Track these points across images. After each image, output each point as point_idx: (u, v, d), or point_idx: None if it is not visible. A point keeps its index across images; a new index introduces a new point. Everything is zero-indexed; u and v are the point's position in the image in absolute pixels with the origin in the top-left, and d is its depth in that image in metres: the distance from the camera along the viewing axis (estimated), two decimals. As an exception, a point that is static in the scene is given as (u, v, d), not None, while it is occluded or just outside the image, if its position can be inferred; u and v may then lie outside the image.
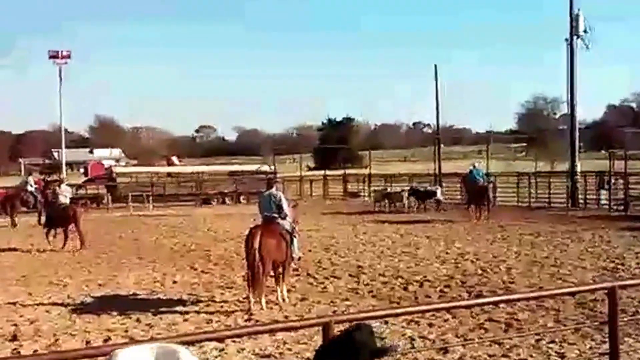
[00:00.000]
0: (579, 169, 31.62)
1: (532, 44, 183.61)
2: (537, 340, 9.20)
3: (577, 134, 32.32)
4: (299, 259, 13.88)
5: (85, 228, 21.56)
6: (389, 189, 36.75)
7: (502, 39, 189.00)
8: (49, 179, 38.44)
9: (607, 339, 7.03)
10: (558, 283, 13.42)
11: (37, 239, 22.69)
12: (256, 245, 11.88)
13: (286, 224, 12.79)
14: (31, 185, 28.71)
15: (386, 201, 32.98)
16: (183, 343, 5.09)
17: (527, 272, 14.70)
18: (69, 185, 26.51)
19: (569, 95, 32.35)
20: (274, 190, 13.24)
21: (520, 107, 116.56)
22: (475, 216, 26.14)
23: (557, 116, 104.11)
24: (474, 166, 28.39)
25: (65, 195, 22.08)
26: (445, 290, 13.17)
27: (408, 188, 33.69)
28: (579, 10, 31.23)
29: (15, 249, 21.28)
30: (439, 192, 32.50)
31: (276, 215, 12.71)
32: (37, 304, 12.82)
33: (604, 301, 9.51)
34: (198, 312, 11.90)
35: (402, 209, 31.81)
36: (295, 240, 12.96)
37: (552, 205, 30.58)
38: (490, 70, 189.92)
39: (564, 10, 31.66)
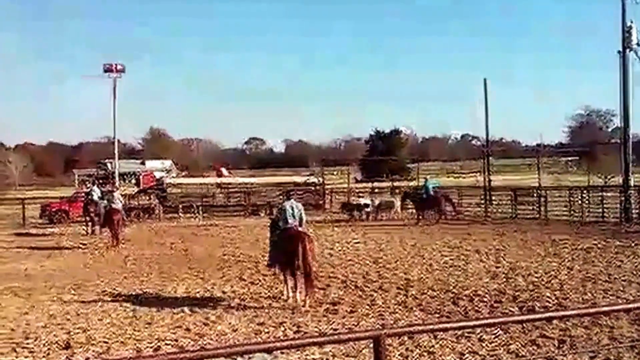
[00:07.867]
0: (632, 183, 30.85)
1: (586, 55, 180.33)
2: (592, 358, 9.03)
3: (630, 147, 31.57)
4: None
5: (137, 237, 22.10)
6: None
7: (553, 48, 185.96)
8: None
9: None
10: (612, 299, 13.13)
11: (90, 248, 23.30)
12: (302, 246, 13.09)
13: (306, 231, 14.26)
14: (98, 195, 29.48)
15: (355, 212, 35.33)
16: (232, 354, 5.14)
17: (580, 287, 14.39)
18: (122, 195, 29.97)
19: (622, 108, 31.61)
20: (293, 201, 14.38)
21: (571, 120, 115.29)
22: (430, 220, 31.31)
23: (609, 129, 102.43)
24: (427, 179, 33.51)
25: (116, 202, 25.55)
26: (496, 305, 12.98)
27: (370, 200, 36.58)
28: (631, 22, 30.46)
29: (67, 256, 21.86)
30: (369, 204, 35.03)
31: (297, 224, 13.86)
32: (90, 312, 13.08)
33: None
34: (247, 323, 11.98)
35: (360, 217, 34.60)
36: None
37: (605, 220, 29.87)
38: (541, 81, 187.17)
39: (617, 21, 30.95)
